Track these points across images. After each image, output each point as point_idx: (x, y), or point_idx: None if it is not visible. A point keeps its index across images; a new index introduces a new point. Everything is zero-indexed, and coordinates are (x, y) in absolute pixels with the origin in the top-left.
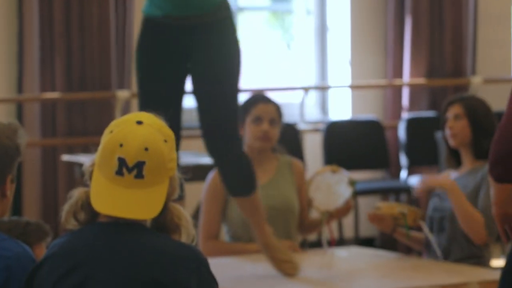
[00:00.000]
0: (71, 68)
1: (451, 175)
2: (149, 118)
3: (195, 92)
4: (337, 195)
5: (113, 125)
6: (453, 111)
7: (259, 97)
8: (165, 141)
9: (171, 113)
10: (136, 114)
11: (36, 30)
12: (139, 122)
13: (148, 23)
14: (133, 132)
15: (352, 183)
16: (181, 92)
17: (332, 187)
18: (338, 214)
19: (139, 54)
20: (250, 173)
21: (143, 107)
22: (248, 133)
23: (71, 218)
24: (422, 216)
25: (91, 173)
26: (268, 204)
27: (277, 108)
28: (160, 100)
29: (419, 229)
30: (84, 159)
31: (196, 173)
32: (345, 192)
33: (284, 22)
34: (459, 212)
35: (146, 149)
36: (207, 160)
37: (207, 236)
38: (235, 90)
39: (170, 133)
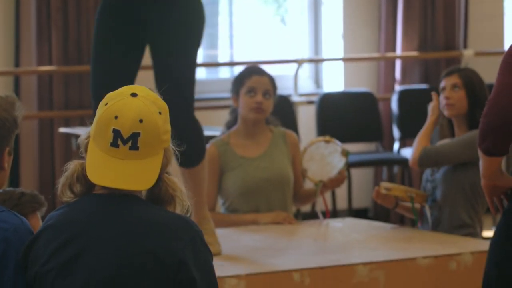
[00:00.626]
0: (67, 41)
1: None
2: (143, 90)
3: (153, 62)
4: (331, 166)
5: (107, 97)
6: (451, 81)
7: (253, 69)
8: (160, 113)
9: (126, 82)
10: (131, 87)
11: (33, 4)
12: (134, 95)
13: None
14: (128, 104)
15: (345, 153)
16: (136, 62)
17: (325, 157)
18: (331, 185)
19: (99, 21)
20: (198, 144)
21: (97, 75)
22: (242, 105)
23: (67, 191)
24: (426, 199)
25: (86, 145)
26: (263, 176)
27: (271, 80)
28: (115, 69)
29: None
30: (81, 132)
31: None
32: (339, 162)
33: None
34: (420, 132)
35: (141, 120)
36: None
37: None
38: (191, 62)
39: (164, 105)
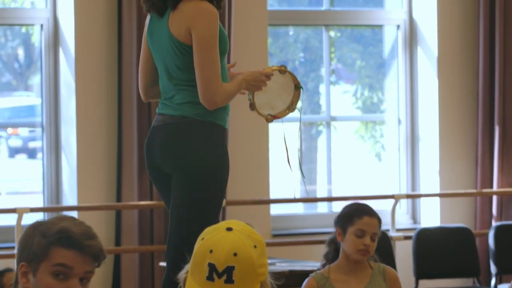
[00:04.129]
0: None
1: None
2: (239, 224)
3: None
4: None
5: (205, 232)
6: None
7: (364, 210)
8: (255, 246)
9: None
10: (227, 222)
11: (135, 142)
12: (229, 229)
13: (223, 132)
14: (223, 238)
15: (297, 85)
16: None
17: (277, 92)
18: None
19: (227, 161)
20: None
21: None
22: (349, 244)
23: None
24: None
25: (185, 280)
26: None
27: (379, 221)
28: None
29: None
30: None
31: (291, 279)
32: (287, 98)
33: (375, 131)
34: None
35: (235, 254)
36: (301, 266)
37: None
38: None
39: (260, 239)
